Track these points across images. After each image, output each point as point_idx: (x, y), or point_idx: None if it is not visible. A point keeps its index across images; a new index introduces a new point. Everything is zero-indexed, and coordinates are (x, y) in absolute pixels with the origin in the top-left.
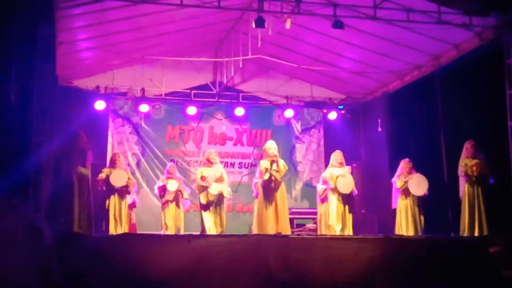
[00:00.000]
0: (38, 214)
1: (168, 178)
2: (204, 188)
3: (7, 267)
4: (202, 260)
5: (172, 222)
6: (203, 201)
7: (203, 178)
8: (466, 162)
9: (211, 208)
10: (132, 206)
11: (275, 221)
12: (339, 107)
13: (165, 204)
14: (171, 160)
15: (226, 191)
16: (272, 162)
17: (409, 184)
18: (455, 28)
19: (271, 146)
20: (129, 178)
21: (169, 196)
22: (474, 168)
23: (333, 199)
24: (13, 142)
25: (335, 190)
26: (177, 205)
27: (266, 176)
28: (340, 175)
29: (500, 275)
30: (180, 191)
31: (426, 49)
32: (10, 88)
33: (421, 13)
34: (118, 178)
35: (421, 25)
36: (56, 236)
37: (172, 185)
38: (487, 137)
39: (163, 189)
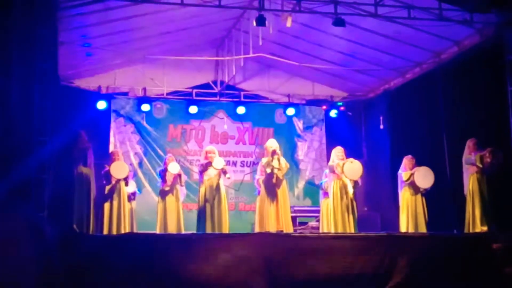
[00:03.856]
0: (40, 214)
1: (169, 158)
2: (206, 166)
3: (9, 267)
4: (204, 259)
5: (171, 220)
6: (202, 195)
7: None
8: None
9: (207, 210)
10: (132, 195)
11: (276, 219)
12: (338, 103)
13: (162, 195)
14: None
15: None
16: (273, 154)
17: (415, 176)
18: (456, 25)
19: (272, 144)
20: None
21: (167, 186)
22: (488, 154)
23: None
24: (14, 142)
25: (339, 179)
26: (176, 198)
27: (269, 170)
28: (348, 160)
29: (502, 272)
30: (180, 175)
31: (427, 46)
32: (11, 88)
33: (422, 10)
34: (119, 169)
35: (422, 22)
36: (58, 236)
37: (173, 167)
38: (489, 133)
39: (164, 173)
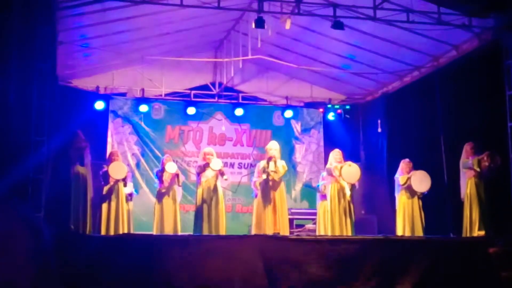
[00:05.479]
0: (37, 214)
1: (166, 158)
2: (204, 168)
3: (5, 266)
4: (202, 261)
5: (167, 221)
6: (199, 196)
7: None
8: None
9: (204, 212)
10: (129, 196)
11: (273, 221)
12: (336, 106)
13: (159, 197)
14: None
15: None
16: (268, 159)
17: (412, 180)
18: (454, 29)
19: (272, 146)
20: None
21: (164, 187)
22: (485, 158)
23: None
24: (12, 142)
25: (337, 182)
26: (173, 199)
27: (264, 176)
28: (346, 164)
29: (499, 276)
30: (177, 175)
31: (425, 50)
32: (9, 87)
33: (421, 13)
34: (117, 170)
35: (421, 25)
36: (55, 236)
37: (170, 167)
38: (487, 138)
39: (161, 173)
